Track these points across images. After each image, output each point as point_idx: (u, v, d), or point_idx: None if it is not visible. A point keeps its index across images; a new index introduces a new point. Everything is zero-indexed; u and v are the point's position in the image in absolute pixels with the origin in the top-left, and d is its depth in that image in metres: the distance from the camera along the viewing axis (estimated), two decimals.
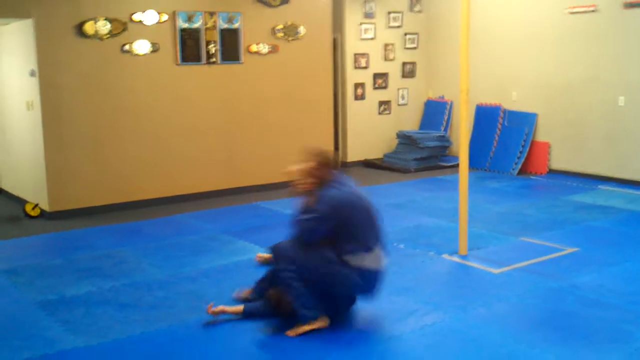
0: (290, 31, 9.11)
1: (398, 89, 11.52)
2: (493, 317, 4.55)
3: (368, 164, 11.09)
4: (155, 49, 8.06)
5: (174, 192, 8.42)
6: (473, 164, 10.39)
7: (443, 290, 5.26)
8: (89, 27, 7.58)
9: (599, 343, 4.16)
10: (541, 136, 10.11)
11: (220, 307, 4.54)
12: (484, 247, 6.21)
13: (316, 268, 4.30)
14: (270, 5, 8.91)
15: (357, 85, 11.02)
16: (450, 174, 9.87)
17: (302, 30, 9.19)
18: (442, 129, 11.33)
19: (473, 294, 5.02)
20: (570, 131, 9.73)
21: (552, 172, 9.96)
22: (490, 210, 7.75)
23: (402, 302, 4.85)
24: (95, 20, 7.63)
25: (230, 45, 8.63)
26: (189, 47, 8.30)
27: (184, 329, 4.46)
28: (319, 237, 4.33)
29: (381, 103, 11.35)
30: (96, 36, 7.66)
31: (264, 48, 8.90)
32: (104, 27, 7.68)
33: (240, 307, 4.56)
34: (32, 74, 7.52)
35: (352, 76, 10.95)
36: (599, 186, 8.97)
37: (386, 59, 11.28)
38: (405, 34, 11.44)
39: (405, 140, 10.87)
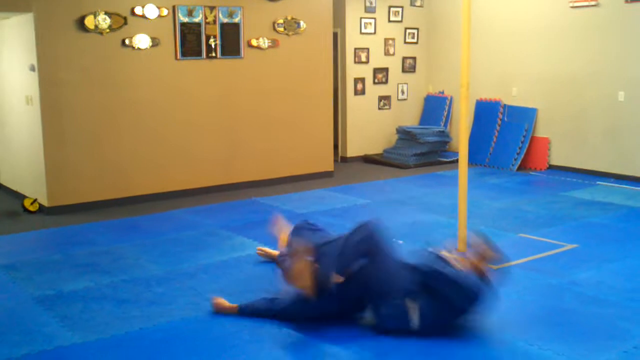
0: (291, 26, 9.09)
1: (398, 84, 11.50)
2: (491, 314, 4.54)
3: (367, 159, 11.08)
4: (155, 43, 8.05)
5: (173, 187, 8.42)
6: (472, 160, 10.39)
7: None
8: (89, 22, 7.56)
9: (597, 340, 4.16)
10: (541, 131, 10.09)
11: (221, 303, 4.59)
12: None
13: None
14: (270, 0, 8.89)
15: (357, 80, 11.00)
16: (450, 170, 9.86)
17: (302, 24, 9.17)
18: (442, 124, 11.32)
19: None
20: (570, 126, 9.71)
21: (552, 168, 9.95)
22: (490, 206, 7.74)
23: None
24: (96, 14, 7.61)
25: (231, 40, 8.61)
26: (189, 41, 8.29)
27: (183, 324, 4.46)
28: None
29: (381, 98, 11.33)
30: (96, 30, 7.64)
31: (264, 42, 8.89)
32: (104, 21, 7.66)
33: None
34: (32, 68, 7.50)
35: (352, 71, 10.93)
36: (599, 182, 8.96)
37: (386, 53, 11.26)
38: (406, 29, 11.41)
39: (405, 135, 10.85)
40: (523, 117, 10.25)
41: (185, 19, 8.21)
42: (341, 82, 10.95)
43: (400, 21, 11.33)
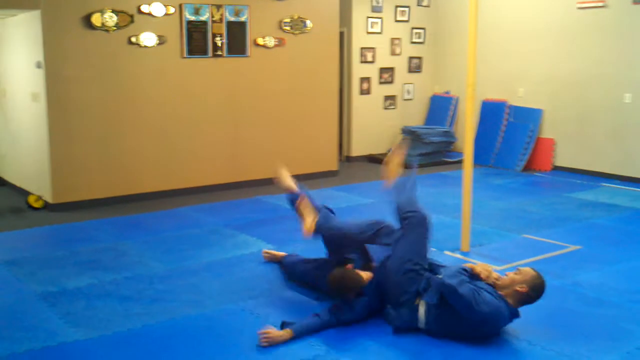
0: (297, 24, 9.09)
1: (404, 84, 11.49)
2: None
3: (372, 159, 11.07)
4: (161, 41, 8.06)
5: (177, 185, 8.43)
6: (477, 160, 10.30)
7: None
8: (96, 19, 7.58)
9: (600, 341, 4.16)
10: (546, 132, 10.07)
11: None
12: (487, 244, 6.20)
13: None
14: None
15: (363, 80, 11.00)
16: (454, 170, 9.85)
17: (309, 23, 9.17)
18: (447, 124, 11.30)
19: None
20: (575, 128, 9.69)
21: (557, 169, 9.92)
22: (494, 206, 7.73)
23: None
24: (102, 12, 7.63)
25: (237, 39, 8.62)
26: (196, 39, 8.30)
27: (186, 322, 4.47)
28: None
29: (387, 98, 11.32)
30: (103, 28, 7.66)
31: (270, 41, 8.89)
32: (110, 19, 7.68)
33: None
34: (38, 65, 7.52)
35: (358, 70, 10.92)
36: (603, 184, 8.94)
37: (393, 53, 11.25)
38: (413, 29, 11.40)
39: (410, 135, 10.84)
40: (529, 117, 10.23)
41: (192, 17, 8.22)
42: (347, 81, 10.95)
43: (407, 21, 11.31)
